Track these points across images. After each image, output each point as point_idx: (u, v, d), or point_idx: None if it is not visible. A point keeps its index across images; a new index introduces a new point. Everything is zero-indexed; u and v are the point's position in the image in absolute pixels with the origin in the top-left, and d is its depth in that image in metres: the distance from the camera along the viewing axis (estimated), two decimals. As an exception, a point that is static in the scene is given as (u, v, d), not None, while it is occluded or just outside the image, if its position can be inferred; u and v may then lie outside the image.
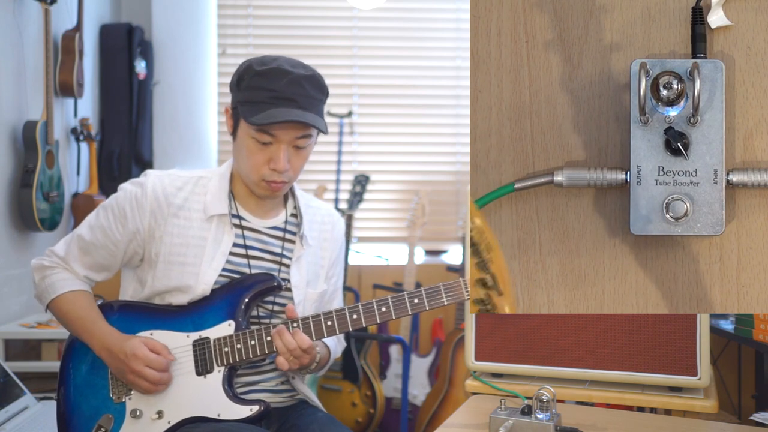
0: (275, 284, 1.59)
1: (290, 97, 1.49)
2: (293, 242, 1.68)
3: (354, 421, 3.16)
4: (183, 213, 1.60)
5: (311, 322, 1.54)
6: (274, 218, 1.68)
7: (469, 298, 1.50)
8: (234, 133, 1.59)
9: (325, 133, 1.55)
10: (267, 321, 1.62)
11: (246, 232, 1.63)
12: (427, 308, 1.51)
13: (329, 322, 1.53)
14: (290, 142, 1.54)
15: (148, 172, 1.65)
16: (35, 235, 2.94)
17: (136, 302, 1.63)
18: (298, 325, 1.53)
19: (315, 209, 1.75)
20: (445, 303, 1.51)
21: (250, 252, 1.62)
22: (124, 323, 1.58)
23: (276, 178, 1.56)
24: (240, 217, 1.64)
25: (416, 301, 1.51)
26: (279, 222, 1.68)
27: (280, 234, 1.67)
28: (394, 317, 1.52)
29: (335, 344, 1.76)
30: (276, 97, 1.49)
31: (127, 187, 1.63)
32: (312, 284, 1.69)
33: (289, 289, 1.64)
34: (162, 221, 1.59)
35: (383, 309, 1.52)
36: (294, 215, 1.71)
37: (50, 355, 2.71)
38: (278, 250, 1.65)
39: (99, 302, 1.65)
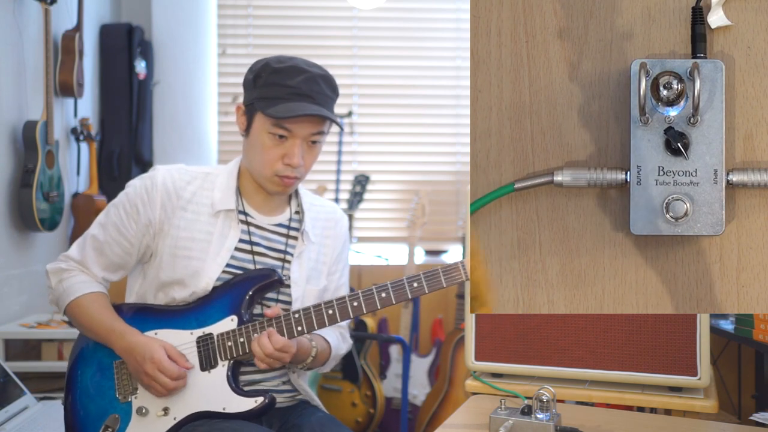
0: (276, 279, 1.60)
1: (307, 94, 1.54)
2: (297, 239, 1.69)
3: (354, 421, 3.16)
4: (191, 207, 1.62)
5: (312, 312, 1.55)
6: (279, 216, 1.69)
7: (468, 279, 1.50)
8: (247, 129, 1.61)
9: (341, 128, 1.60)
10: None
11: (252, 229, 1.65)
12: (427, 291, 1.52)
13: (330, 311, 1.54)
14: (305, 137, 1.57)
15: (157, 166, 1.67)
16: (35, 235, 2.93)
17: (140, 304, 1.64)
18: (272, 326, 1.54)
19: (319, 207, 1.77)
20: (444, 285, 1.52)
21: (255, 248, 1.64)
22: (128, 324, 1.58)
23: (289, 173, 1.59)
24: (246, 214, 1.66)
25: (415, 285, 1.53)
26: (284, 219, 1.70)
27: (284, 231, 1.68)
28: (394, 302, 1.53)
29: (338, 341, 1.76)
30: (294, 93, 1.53)
31: (136, 183, 1.64)
32: (313, 281, 1.70)
33: (290, 285, 1.64)
34: (171, 213, 1.60)
35: (383, 295, 1.53)
36: (298, 212, 1.72)
37: (50, 355, 2.70)
38: (282, 247, 1.67)
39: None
